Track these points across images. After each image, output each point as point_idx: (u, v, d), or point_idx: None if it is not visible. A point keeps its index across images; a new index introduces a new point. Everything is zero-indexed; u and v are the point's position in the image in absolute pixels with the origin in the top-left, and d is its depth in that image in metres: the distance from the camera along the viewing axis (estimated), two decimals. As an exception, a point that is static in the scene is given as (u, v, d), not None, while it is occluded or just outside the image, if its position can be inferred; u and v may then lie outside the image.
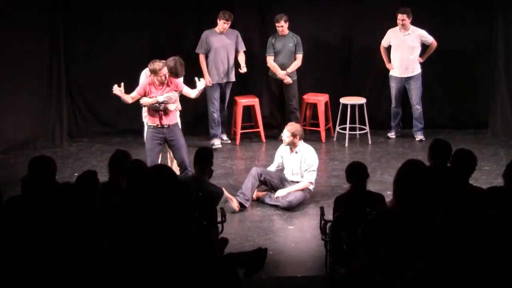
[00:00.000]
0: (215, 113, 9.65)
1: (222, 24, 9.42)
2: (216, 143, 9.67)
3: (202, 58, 9.51)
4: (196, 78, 7.94)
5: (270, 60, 9.80)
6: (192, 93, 7.89)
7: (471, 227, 3.02)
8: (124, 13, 10.05)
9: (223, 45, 9.52)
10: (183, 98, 8.03)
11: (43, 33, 9.64)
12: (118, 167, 5.69)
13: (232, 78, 9.71)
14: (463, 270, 2.77)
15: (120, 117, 10.11)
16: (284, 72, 9.73)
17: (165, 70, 7.51)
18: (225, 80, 9.64)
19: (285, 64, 9.77)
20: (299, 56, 9.80)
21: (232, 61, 9.62)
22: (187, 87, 7.87)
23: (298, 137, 7.69)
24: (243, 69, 9.60)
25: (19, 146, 9.47)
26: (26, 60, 9.43)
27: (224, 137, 10.00)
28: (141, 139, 8.19)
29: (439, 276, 2.96)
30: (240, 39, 9.70)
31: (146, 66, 7.84)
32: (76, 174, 7.69)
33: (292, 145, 7.71)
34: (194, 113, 10.06)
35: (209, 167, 6.73)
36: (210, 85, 9.44)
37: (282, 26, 9.61)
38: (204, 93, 8.94)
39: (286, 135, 7.68)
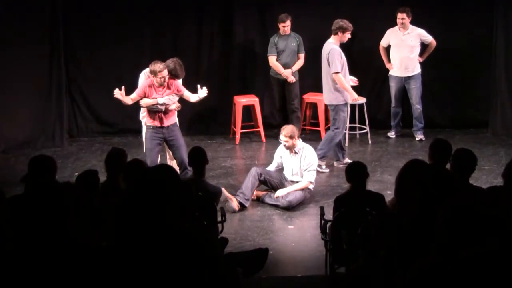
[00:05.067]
0: None
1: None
2: None
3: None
4: (199, 86, 7.89)
5: (273, 60, 9.79)
6: (192, 98, 7.87)
7: (471, 227, 3.02)
8: (124, 13, 10.06)
9: None
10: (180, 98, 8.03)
11: (43, 32, 9.64)
12: (115, 165, 5.71)
13: None
14: (463, 270, 2.77)
15: (120, 116, 10.12)
16: (289, 70, 9.73)
17: (165, 73, 7.49)
18: None
19: (288, 63, 9.77)
20: (302, 56, 9.82)
21: None
22: (188, 91, 7.86)
23: (295, 137, 7.69)
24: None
25: (19, 145, 9.48)
26: (26, 60, 9.44)
27: None
28: (142, 138, 8.20)
29: (440, 275, 2.96)
30: None
31: (146, 66, 7.83)
32: (76, 173, 7.70)
33: (292, 146, 7.72)
34: (192, 113, 10.05)
35: (205, 166, 6.74)
36: None
37: (288, 25, 9.61)
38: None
39: (283, 139, 7.68)
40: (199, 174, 6.70)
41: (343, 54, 8.52)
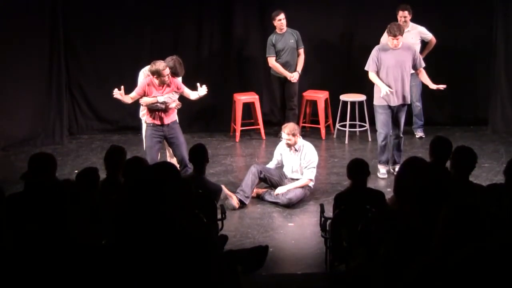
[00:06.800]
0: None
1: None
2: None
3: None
4: (198, 84, 7.86)
5: (272, 61, 9.74)
6: (192, 95, 7.86)
7: (472, 225, 3.02)
8: (124, 11, 10.05)
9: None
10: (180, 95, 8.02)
11: (43, 30, 9.63)
12: (115, 163, 5.72)
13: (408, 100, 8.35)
14: (464, 267, 2.77)
15: (120, 114, 10.11)
16: (296, 73, 9.69)
17: (167, 71, 7.47)
18: (399, 103, 8.28)
19: (289, 61, 9.73)
20: (302, 51, 9.79)
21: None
22: (187, 88, 7.85)
23: (297, 135, 7.69)
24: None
25: (19, 143, 9.47)
26: (26, 57, 9.43)
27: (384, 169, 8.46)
28: (141, 136, 8.20)
29: (440, 273, 2.96)
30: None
31: (146, 64, 7.81)
32: (76, 171, 7.69)
33: (293, 144, 7.71)
34: (192, 110, 10.03)
35: (206, 163, 6.74)
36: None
37: (283, 18, 9.55)
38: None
39: (286, 138, 7.67)
40: (199, 172, 6.70)
41: (384, 54, 8.13)
